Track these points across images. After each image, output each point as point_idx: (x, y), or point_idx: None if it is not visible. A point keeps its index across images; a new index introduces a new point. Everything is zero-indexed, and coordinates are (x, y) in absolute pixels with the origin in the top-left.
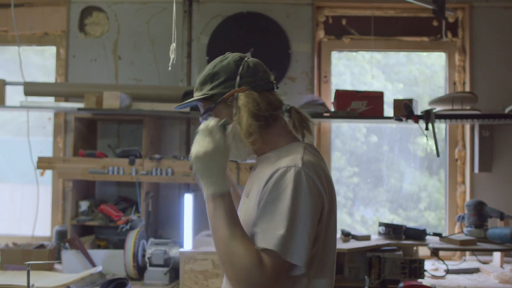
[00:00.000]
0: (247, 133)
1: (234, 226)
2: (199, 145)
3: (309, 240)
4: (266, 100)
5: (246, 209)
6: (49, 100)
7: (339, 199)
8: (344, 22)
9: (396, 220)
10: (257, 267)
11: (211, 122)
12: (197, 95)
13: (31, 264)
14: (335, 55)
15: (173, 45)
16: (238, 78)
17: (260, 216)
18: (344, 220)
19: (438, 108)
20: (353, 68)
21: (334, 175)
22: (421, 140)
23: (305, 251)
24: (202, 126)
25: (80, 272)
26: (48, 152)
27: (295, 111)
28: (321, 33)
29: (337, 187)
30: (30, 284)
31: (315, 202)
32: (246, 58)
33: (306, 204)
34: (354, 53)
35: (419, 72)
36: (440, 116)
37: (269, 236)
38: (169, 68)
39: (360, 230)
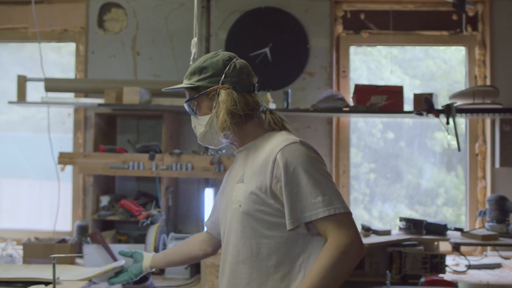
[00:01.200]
0: (220, 128)
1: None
2: None
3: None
4: (244, 100)
5: (245, 191)
6: (69, 96)
7: (356, 195)
8: (362, 16)
9: (413, 216)
10: (340, 245)
11: None
12: (185, 83)
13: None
14: (352, 50)
15: (195, 39)
16: (223, 76)
17: (288, 195)
18: (362, 216)
19: (458, 102)
20: (370, 64)
21: (351, 171)
22: (439, 135)
23: (342, 200)
24: None
25: (103, 266)
26: (67, 149)
27: (270, 113)
28: (339, 28)
29: (354, 183)
30: (56, 277)
31: (323, 163)
32: (235, 59)
33: (322, 167)
34: (370, 49)
35: (436, 67)
36: (461, 110)
37: (313, 207)
38: (190, 63)
39: (377, 226)
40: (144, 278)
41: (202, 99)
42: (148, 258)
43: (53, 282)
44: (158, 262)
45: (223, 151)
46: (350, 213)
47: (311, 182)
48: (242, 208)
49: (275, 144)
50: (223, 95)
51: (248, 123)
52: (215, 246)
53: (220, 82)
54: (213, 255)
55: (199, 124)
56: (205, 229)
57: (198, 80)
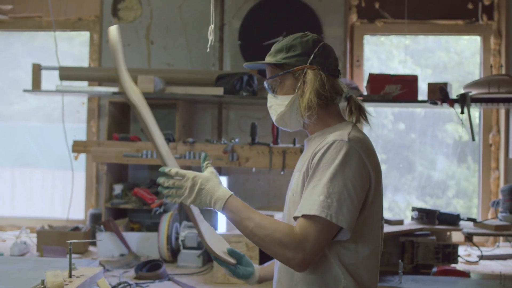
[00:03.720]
0: (307, 106)
1: (253, 216)
2: (190, 194)
3: (354, 205)
4: (330, 83)
5: (297, 180)
6: (83, 85)
7: None
8: (377, 5)
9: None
10: (289, 236)
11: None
12: (269, 59)
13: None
14: (363, 40)
15: (212, 26)
16: (312, 56)
17: (306, 187)
18: None
19: (473, 92)
20: (380, 54)
21: None
22: (450, 127)
23: (348, 214)
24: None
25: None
26: (80, 138)
27: (354, 99)
28: (353, 17)
29: None
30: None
31: (361, 174)
32: (323, 42)
33: (351, 173)
34: (383, 38)
35: (448, 58)
36: (476, 100)
37: (310, 203)
38: (208, 50)
39: (387, 217)
40: (157, 266)
41: (287, 77)
42: (258, 269)
43: (69, 266)
44: (265, 273)
45: (236, 139)
46: (338, 227)
47: (327, 182)
48: (294, 197)
49: (327, 137)
50: (310, 75)
51: (330, 108)
52: None
53: (309, 62)
54: None
55: (277, 104)
56: None
57: (285, 58)
